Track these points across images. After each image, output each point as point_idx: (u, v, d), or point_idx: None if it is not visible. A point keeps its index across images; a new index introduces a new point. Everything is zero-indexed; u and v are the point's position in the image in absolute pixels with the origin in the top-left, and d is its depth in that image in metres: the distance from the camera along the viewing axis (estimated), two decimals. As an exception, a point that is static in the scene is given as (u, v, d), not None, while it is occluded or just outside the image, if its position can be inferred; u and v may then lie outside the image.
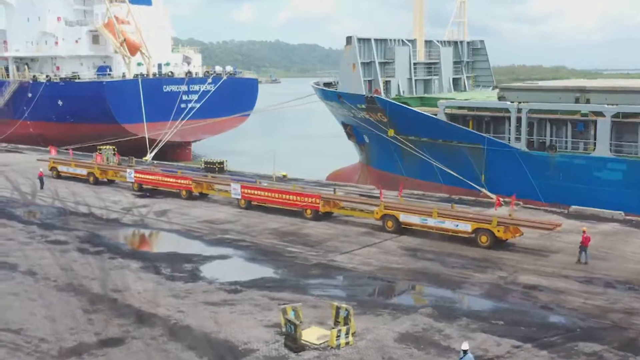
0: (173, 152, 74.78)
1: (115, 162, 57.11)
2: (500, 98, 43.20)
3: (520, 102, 41.25)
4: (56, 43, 79.68)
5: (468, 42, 60.59)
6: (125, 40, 71.97)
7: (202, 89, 77.08)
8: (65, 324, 21.35)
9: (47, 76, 75.98)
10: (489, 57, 61.28)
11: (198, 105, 75.51)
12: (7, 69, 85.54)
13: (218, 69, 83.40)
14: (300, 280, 26.04)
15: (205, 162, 55.08)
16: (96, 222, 36.63)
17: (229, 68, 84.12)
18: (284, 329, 19.95)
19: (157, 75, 75.77)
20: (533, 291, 24.59)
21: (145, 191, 45.49)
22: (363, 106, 48.55)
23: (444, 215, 32.67)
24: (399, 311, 22.43)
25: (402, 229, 33.39)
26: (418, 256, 29.29)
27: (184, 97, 75.98)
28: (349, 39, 50.41)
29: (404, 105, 46.62)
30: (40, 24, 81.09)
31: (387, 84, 52.13)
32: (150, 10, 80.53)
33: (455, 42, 58.90)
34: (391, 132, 46.88)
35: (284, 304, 22.45)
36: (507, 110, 41.92)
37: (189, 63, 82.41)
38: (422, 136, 46.29)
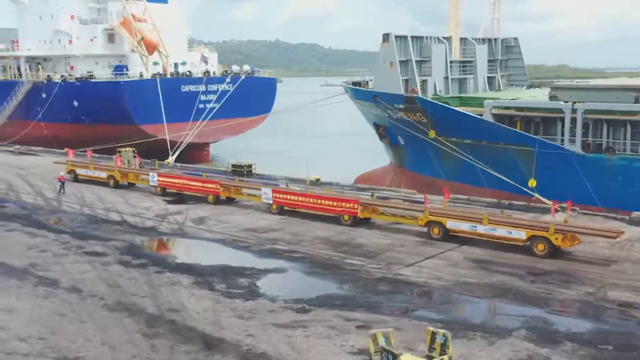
0: (190, 153, 72.56)
1: (136, 165, 54.90)
2: (551, 98, 41.11)
3: (574, 102, 39.10)
4: (70, 42, 77.56)
5: (502, 40, 58.44)
6: (142, 38, 69.78)
7: (220, 89, 74.93)
8: (127, 352, 19.19)
9: (62, 76, 73.77)
10: (522, 55, 59.10)
11: (217, 106, 73.37)
12: (18, 69, 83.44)
13: (235, 68, 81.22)
14: (371, 297, 23.90)
15: (233, 165, 52.89)
16: (132, 231, 34.49)
17: (246, 67, 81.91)
18: (376, 358, 17.81)
19: (175, 75, 73.50)
20: (630, 309, 22.46)
21: (173, 196, 43.47)
22: (401, 106, 46.42)
23: (495, 222, 30.69)
24: (492, 334, 20.29)
25: (449, 236, 31.54)
26: (490, 269, 27.14)
27: (202, 97, 73.84)
28: (385, 36, 48.26)
29: (447, 106, 44.49)
30: (53, 23, 79.00)
31: (423, 83, 49.99)
32: (165, 9, 78.37)
33: (489, 40, 56.70)
34: (432, 134, 44.77)
35: (362, 326, 20.43)
36: (560, 111, 39.80)
37: (206, 62, 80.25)
38: (464, 137, 44.18)
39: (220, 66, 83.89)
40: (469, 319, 22.10)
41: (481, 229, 30.72)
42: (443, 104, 44.54)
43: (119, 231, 34.62)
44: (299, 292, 24.68)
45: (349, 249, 30.50)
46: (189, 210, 39.49)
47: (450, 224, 32.03)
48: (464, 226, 31.56)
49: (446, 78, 51.87)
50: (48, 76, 74.95)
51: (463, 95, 50.74)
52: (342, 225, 34.95)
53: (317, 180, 48.04)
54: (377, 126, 54.05)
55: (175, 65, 76.91)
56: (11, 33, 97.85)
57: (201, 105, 73.59)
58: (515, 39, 58.92)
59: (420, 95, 47.80)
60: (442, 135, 44.84)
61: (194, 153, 74.79)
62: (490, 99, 44.08)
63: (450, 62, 52.07)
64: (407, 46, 48.97)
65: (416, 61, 49.42)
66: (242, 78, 77.10)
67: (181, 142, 65.74)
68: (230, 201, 41.79)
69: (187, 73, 74.44)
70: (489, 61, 56.45)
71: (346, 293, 24.48)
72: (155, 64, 73.80)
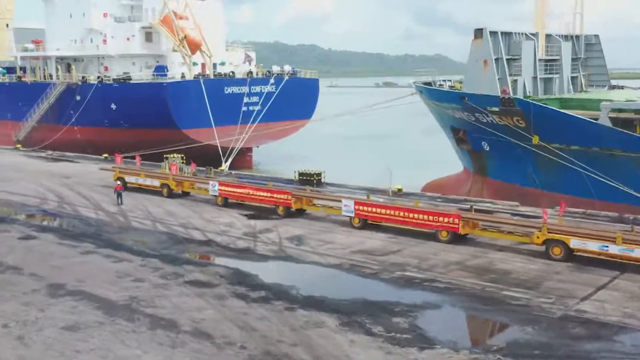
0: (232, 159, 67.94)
1: (190, 173, 50.41)
2: (681, 99, 36.72)
3: None
4: (104, 41, 72.93)
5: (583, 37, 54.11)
6: (185, 37, 65.27)
7: (264, 90, 70.42)
8: None
9: (98, 77, 69.13)
10: (604, 54, 54.76)
11: (264, 109, 68.90)
12: (44, 70, 78.97)
13: (275, 68, 76.62)
14: (572, 346, 19.47)
15: (300, 174, 48.47)
16: (227, 254, 30.10)
17: (287, 67, 77.31)
18: None
19: (218, 76, 68.95)
20: None
21: (243, 208, 39.51)
22: (495, 109, 42.02)
23: (633, 242, 26.42)
24: None
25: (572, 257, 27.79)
26: (688, 304, 22.74)
27: (246, 100, 69.32)
28: (478, 32, 43.85)
29: (555, 109, 40.10)
30: (85, 21, 74.42)
31: (513, 83, 45.60)
32: (203, 5, 73.88)
33: (572, 37, 52.33)
34: (536, 139, 40.38)
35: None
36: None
37: (250, 62, 75.78)
38: (571, 144, 39.80)
39: (258, 66, 79.37)
40: None
41: (614, 249, 26.68)
42: (551, 108, 40.12)
43: (212, 253, 30.29)
44: (478, 337, 20.36)
45: (497, 277, 26.06)
46: (278, 227, 35.04)
47: (575, 242, 27.94)
48: (592, 246, 27.50)
49: (535, 78, 47.44)
50: (83, 77, 70.29)
51: (564, 96, 46.34)
52: (440, 242, 31.23)
53: (399, 190, 43.73)
54: (455, 130, 49.61)
55: (214, 65, 72.34)
56: (32, 33, 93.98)
57: (245, 108, 69.07)
58: (596, 36, 54.57)
59: (511, 96, 43.40)
60: (544, 141, 40.48)
61: (237, 159, 70.06)
62: (606, 100, 39.62)
63: (540, 60, 47.67)
64: (498, 43, 44.58)
65: (506, 59, 45.02)
66: (285, 79, 72.56)
67: (233, 148, 61.32)
68: (300, 213, 37.87)
69: (230, 74, 69.85)
70: (572, 60, 52.06)
71: (538, 339, 20.04)
72: (194, 64, 69.34)
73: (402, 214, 33.40)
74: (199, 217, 37.76)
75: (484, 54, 43.37)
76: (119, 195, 41.82)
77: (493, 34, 44.09)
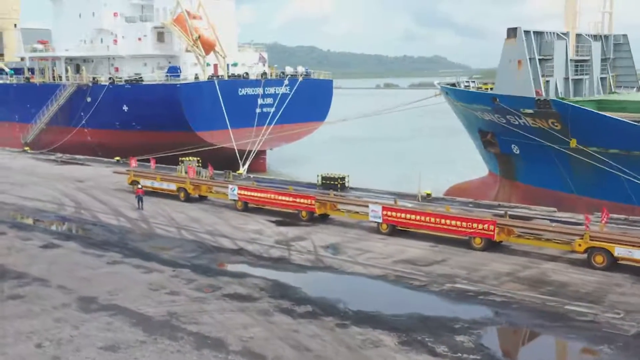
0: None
1: (207, 176, 48.89)
2: None
3: None
4: (115, 41, 71.39)
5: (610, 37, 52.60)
6: (199, 37, 63.71)
7: (279, 92, 68.86)
8: None
9: (109, 78, 67.55)
10: (632, 54, 53.26)
11: (277, 111, 67.31)
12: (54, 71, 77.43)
13: (288, 69, 75.02)
14: (657, 367, 17.99)
15: (324, 178, 46.97)
16: (262, 264, 28.56)
17: (300, 68, 75.68)
18: None
19: (232, 77, 67.35)
20: None
21: (268, 214, 38.10)
22: (529, 111, 40.53)
23: None
24: None
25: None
26: None
27: (260, 101, 67.76)
28: (511, 31, 42.33)
29: (594, 111, 38.62)
30: (95, 21, 72.87)
31: (545, 84, 44.12)
32: (215, 5, 72.26)
33: (601, 37, 50.82)
34: (574, 143, 38.90)
35: None
36: None
37: (264, 63, 74.22)
38: (610, 147, 38.31)
39: (270, 67, 77.80)
40: None
41: None
42: (591, 110, 38.63)
43: (246, 263, 28.74)
44: (552, 358, 18.81)
45: (554, 289, 24.56)
46: (310, 234, 33.54)
47: (620, 250, 26.59)
48: (639, 254, 26.05)
49: (566, 79, 45.95)
50: (94, 78, 68.68)
51: (600, 98, 44.85)
52: (473, 249, 30.02)
53: (428, 195, 42.28)
54: (483, 133, 48.08)
55: (227, 66, 70.82)
56: (38, 34, 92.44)
57: (259, 110, 67.52)
58: (625, 36, 53.05)
59: (544, 97, 41.92)
60: (582, 144, 39.01)
61: (250, 162, 68.75)
62: (648, 102, 38.17)
63: (570, 61, 46.19)
64: (531, 43, 43.07)
65: (539, 59, 43.53)
66: (299, 80, 71.01)
67: (249, 151, 59.80)
68: (323, 218, 36.65)
69: (244, 75, 68.27)
70: (601, 60, 50.59)
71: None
72: (207, 64, 67.75)
73: (433, 220, 32.03)
74: (225, 223, 36.25)
75: (518, 54, 41.86)
76: (140, 199, 40.44)
77: (526, 33, 42.57)
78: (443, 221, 31.71)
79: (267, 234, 33.72)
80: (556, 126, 39.99)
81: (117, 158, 62.38)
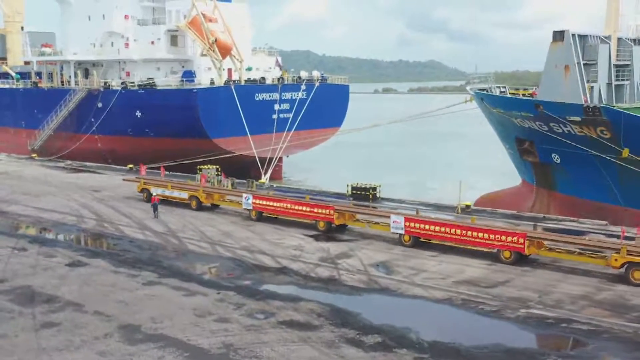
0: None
1: (228, 186, 46.67)
2: None
3: None
4: (126, 45, 69.20)
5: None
6: (216, 40, 61.56)
7: (295, 97, 66.73)
8: None
9: (122, 83, 65.29)
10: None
11: (297, 117, 65.21)
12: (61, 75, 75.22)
13: (304, 74, 72.92)
14: None
15: (353, 188, 44.88)
16: (311, 285, 26.40)
17: (315, 73, 73.55)
18: None
19: (250, 82, 65.17)
20: None
21: (303, 227, 36.03)
22: (577, 118, 38.49)
23: None
24: None
25: None
26: None
27: (277, 107, 65.63)
28: (558, 35, 40.26)
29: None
30: (105, 23, 70.72)
31: (590, 90, 42.08)
32: (230, 8, 70.12)
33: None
34: (626, 152, 36.87)
35: None
36: None
37: (280, 67, 72.09)
38: (665, 157, 36.31)
39: (283, 72, 75.60)
40: None
41: None
42: (645, 117, 36.65)
43: (293, 284, 26.57)
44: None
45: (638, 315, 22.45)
46: (354, 250, 31.43)
47: None
48: None
49: (609, 85, 43.94)
50: (105, 83, 66.42)
51: (653, 105, 42.91)
52: (502, 262, 28.78)
53: (468, 207, 40.26)
54: (520, 141, 45.98)
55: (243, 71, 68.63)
56: (42, 37, 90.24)
57: (275, 116, 65.41)
58: (662, 40, 51.03)
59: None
60: (635, 154, 37.01)
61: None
62: None
63: (613, 65, 44.17)
64: (577, 47, 41.02)
65: (583, 64, 41.51)
66: (316, 85, 68.91)
67: (269, 158, 57.65)
68: (342, 229, 35.41)
69: (261, 79, 66.13)
70: (639, 65, 48.55)
71: None
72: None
73: (459, 231, 30.74)
74: (260, 238, 34.10)
75: (566, 58, 39.79)
76: (155, 207, 39.49)
77: (572, 36, 40.55)
78: (469, 233, 30.30)
79: (308, 250, 31.57)
80: (605, 134, 37.95)
81: (130, 166, 60.12)
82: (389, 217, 33.45)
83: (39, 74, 77.32)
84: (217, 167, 51.35)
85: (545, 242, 29.17)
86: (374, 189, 44.44)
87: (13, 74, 79.61)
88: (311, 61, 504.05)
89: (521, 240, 28.55)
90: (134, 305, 23.88)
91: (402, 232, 32.27)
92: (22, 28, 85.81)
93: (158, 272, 28.04)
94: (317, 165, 78.51)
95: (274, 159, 58.57)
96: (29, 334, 21.12)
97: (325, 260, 29.79)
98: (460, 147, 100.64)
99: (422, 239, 32.00)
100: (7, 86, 79.32)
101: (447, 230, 30.99)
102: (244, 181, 48.34)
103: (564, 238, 30.11)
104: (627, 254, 25.88)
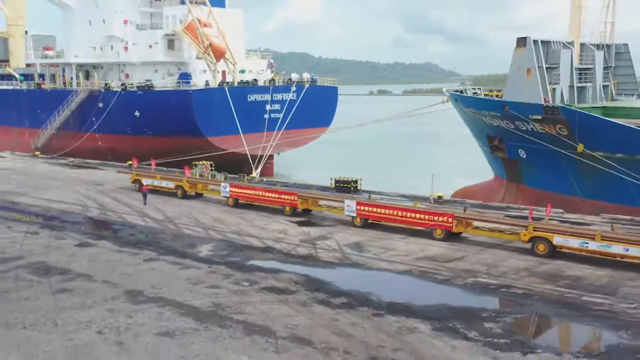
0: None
1: (222, 179, 50.49)
2: None
3: None
4: (125, 48, 72.96)
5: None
6: (210, 44, 65.35)
7: (285, 98, 70.54)
8: None
9: (122, 84, 69.06)
10: (632, 63, 55.25)
11: (287, 117, 68.98)
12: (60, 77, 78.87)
13: (294, 76, 76.75)
14: (672, 350, 19.70)
15: (337, 181, 48.61)
16: (293, 261, 30.17)
17: (306, 75, 77.39)
18: None
19: (243, 84, 68.95)
20: None
21: (297, 216, 39.66)
22: (538, 117, 42.30)
23: (610, 239, 28.88)
24: None
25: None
26: None
27: (268, 107, 69.42)
28: (521, 41, 44.17)
29: (600, 117, 40.48)
30: (105, 28, 74.48)
31: (552, 91, 45.97)
32: (224, 13, 73.97)
33: (604, 46, 52.78)
34: (581, 147, 40.69)
35: None
36: None
37: (272, 70, 75.88)
38: (616, 152, 40.12)
39: (275, 74, 79.41)
40: None
41: (593, 245, 29.10)
42: (597, 116, 40.49)
43: (277, 260, 30.33)
44: (575, 342, 20.57)
45: (570, 283, 26.31)
46: (334, 234, 35.19)
47: (558, 240, 30.08)
48: (573, 243, 29.80)
49: (571, 86, 47.86)
50: (106, 84, 70.19)
51: (606, 105, 46.76)
52: (435, 239, 33.33)
53: (440, 197, 44.04)
54: (491, 138, 49.85)
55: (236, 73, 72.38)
56: (42, 40, 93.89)
57: (267, 116, 69.20)
58: (625, 45, 55.06)
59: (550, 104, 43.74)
60: (589, 149, 40.83)
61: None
62: (651, 109, 40.07)
63: (575, 69, 48.10)
64: (539, 51, 44.93)
65: (546, 68, 45.41)
66: (306, 87, 72.74)
67: (259, 155, 61.43)
68: (305, 213, 40.10)
69: (253, 81, 69.95)
70: (603, 68, 52.53)
71: (637, 343, 20.22)
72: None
73: (400, 213, 35.22)
74: (250, 224, 37.83)
75: (528, 62, 43.70)
76: (145, 195, 44.43)
77: (534, 42, 44.44)
78: (409, 215, 34.95)
79: (292, 234, 35.33)
80: (563, 132, 41.77)
81: (130, 162, 63.69)
82: (343, 202, 37.71)
83: (42, 76, 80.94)
84: (211, 163, 55.13)
85: (468, 221, 33.48)
86: (355, 181, 48.16)
87: (17, 76, 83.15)
88: (308, 63, 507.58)
89: (450, 219, 33.19)
90: (136, 276, 27.60)
91: (354, 214, 36.76)
92: (25, 32, 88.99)
93: (157, 251, 31.78)
94: (307, 163, 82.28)
95: (265, 156, 62.26)
96: (48, 297, 24.81)
97: (305, 242, 33.57)
98: (442, 146, 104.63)
99: (370, 221, 36.44)
100: (10, 87, 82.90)
101: (391, 212, 35.60)
102: (236, 176, 52.12)
103: (486, 217, 34.81)
104: (534, 230, 30.52)
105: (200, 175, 51.00)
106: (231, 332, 21.14)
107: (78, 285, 26.31)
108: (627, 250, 28.29)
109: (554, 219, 36.78)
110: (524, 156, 47.35)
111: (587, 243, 29.29)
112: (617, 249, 28.57)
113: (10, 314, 22.87)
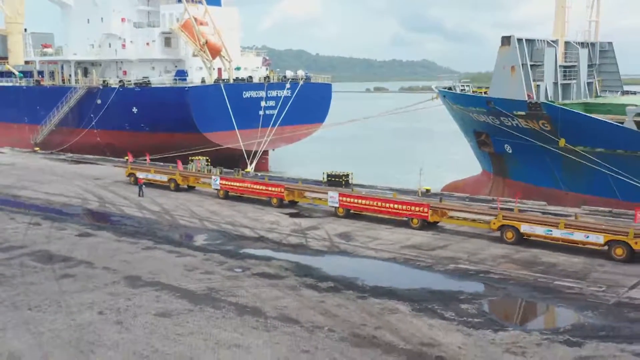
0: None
1: (218, 173, 51.97)
2: None
3: None
4: (123, 46, 74.35)
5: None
6: (206, 42, 66.78)
7: (280, 95, 72.04)
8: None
9: (120, 81, 70.49)
10: (617, 60, 56.88)
11: (280, 113, 70.50)
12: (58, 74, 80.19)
13: (289, 73, 78.24)
14: (632, 328, 21.25)
15: (329, 175, 50.16)
16: (284, 249, 31.68)
17: (300, 72, 78.90)
18: None
19: (238, 81, 70.43)
20: None
21: (287, 207, 41.18)
22: (522, 113, 43.93)
23: (572, 227, 30.43)
24: None
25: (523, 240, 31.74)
26: None
27: (263, 104, 70.93)
28: (505, 39, 45.76)
29: (581, 113, 42.07)
30: (103, 26, 75.84)
31: (536, 88, 47.56)
32: (220, 11, 75.40)
33: (588, 44, 54.37)
34: (562, 142, 42.31)
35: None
36: None
37: (267, 67, 77.34)
38: (597, 146, 41.75)
39: (270, 71, 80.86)
40: None
41: (557, 233, 30.60)
42: (578, 112, 42.10)
43: (269, 249, 31.86)
44: (544, 321, 22.17)
45: (545, 269, 27.90)
46: (324, 225, 36.74)
47: (525, 227, 31.64)
48: (539, 230, 31.32)
49: (555, 83, 49.46)
50: (104, 81, 71.61)
51: (588, 101, 48.37)
52: (412, 228, 35.01)
53: (427, 190, 45.56)
54: (478, 133, 51.47)
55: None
56: (41, 37, 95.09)
57: (261, 112, 70.69)
58: (610, 43, 56.70)
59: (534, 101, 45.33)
60: (570, 144, 42.43)
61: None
62: (631, 105, 41.62)
63: (559, 66, 49.68)
64: (523, 50, 46.50)
65: (530, 65, 46.97)
66: (300, 84, 74.21)
67: (254, 151, 62.90)
68: (293, 204, 41.70)
69: (249, 78, 71.43)
70: (587, 66, 54.12)
71: (600, 322, 21.80)
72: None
73: (379, 204, 36.89)
74: (243, 216, 39.34)
75: (512, 60, 45.27)
76: (140, 187, 46.18)
77: (519, 41, 45.99)
78: (387, 205, 36.55)
79: (283, 225, 36.85)
80: (546, 127, 43.37)
81: (126, 157, 65.15)
82: (327, 193, 39.37)
83: (41, 73, 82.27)
84: (207, 158, 56.68)
85: (444, 211, 35.13)
86: (347, 175, 49.73)
87: (16, 73, 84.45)
88: (304, 61, 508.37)
89: (425, 209, 34.78)
90: (135, 263, 29.10)
91: (337, 205, 38.41)
92: (24, 30, 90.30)
93: (154, 240, 33.27)
94: (301, 158, 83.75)
95: (259, 152, 63.75)
96: (52, 282, 26.28)
97: (296, 232, 35.10)
98: (434, 141, 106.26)
99: (352, 211, 38.00)
100: (10, 84, 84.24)
101: (371, 202, 37.21)
102: (231, 170, 53.61)
103: (459, 207, 36.44)
104: (503, 219, 32.17)
105: (198, 171, 52.46)
106: (224, 313, 22.64)
107: (80, 271, 27.77)
108: (588, 237, 29.77)
109: (535, 211, 38.38)
110: (510, 151, 48.97)
111: (551, 231, 30.86)
112: (578, 235, 30.05)
113: (17, 296, 24.35)
